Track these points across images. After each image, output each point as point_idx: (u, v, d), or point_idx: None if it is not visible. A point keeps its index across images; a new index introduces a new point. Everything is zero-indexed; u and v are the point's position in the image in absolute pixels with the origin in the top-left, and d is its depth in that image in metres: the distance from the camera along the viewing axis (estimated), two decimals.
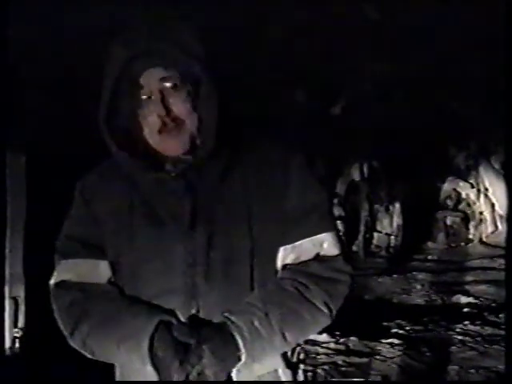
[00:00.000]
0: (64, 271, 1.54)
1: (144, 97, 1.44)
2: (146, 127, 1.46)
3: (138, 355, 1.40)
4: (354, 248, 12.21)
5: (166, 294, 1.46)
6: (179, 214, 1.47)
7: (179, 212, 1.47)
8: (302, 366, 1.56)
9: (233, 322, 1.40)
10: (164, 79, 1.43)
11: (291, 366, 1.53)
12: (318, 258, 1.51)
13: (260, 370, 1.46)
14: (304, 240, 1.51)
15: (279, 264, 1.51)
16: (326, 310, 1.47)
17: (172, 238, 1.47)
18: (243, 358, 1.38)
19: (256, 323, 1.41)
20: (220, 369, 1.36)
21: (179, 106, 1.44)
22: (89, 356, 1.49)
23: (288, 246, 1.51)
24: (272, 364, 1.49)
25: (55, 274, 1.55)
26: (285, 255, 1.51)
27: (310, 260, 1.50)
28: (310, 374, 5.11)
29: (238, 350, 1.38)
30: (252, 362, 1.41)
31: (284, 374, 1.51)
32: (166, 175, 1.47)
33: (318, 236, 1.52)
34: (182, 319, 1.45)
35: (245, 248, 1.47)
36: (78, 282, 1.52)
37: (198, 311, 1.45)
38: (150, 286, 1.48)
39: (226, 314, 1.42)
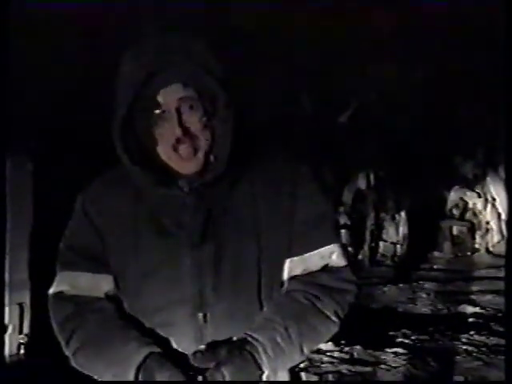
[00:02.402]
0: (62, 282, 1.54)
1: (158, 111, 1.43)
2: (161, 143, 1.45)
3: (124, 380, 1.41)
4: (360, 257, 12.17)
5: (173, 304, 1.46)
6: (188, 227, 1.47)
7: (189, 225, 1.47)
8: (303, 374, 1.57)
9: (256, 340, 1.40)
10: (182, 99, 1.42)
11: (294, 375, 1.55)
12: (327, 268, 1.52)
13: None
14: (312, 252, 1.52)
15: (286, 275, 1.52)
16: (336, 320, 1.49)
17: (180, 251, 1.47)
18: (266, 373, 1.40)
19: (278, 339, 1.42)
20: None
21: (195, 124, 1.43)
22: (78, 369, 1.50)
23: (295, 258, 1.51)
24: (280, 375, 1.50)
25: (54, 283, 1.56)
26: (292, 267, 1.51)
27: (318, 271, 1.51)
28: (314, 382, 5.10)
29: (260, 367, 1.38)
30: (273, 376, 1.42)
31: None
32: (179, 191, 1.47)
33: (327, 248, 1.53)
34: (176, 346, 1.45)
35: (252, 259, 1.48)
36: (75, 294, 1.52)
37: (205, 322, 1.45)
38: (156, 298, 1.48)
39: (248, 332, 1.42)
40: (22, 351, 4.27)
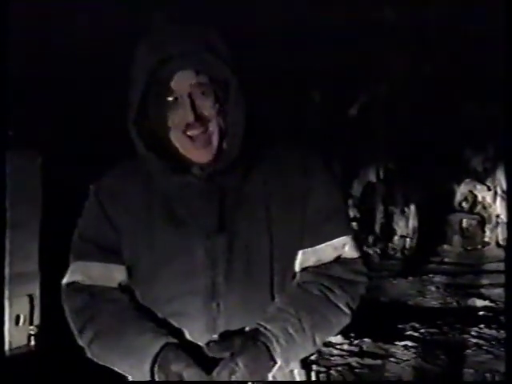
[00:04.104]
0: (76, 272, 1.54)
1: (170, 98, 1.44)
2: (173, 129, 1.46)
3: (139, 371, 1.41)
4: (369, 250, 12.15)
5: (185, 295, 1.46)
6: (202, 216, 1.46)
7: (202, 214, 1.47)
8: (314, 367, 1.57)
9: (269, 330, 1.40)
10: (195, 85, 1.42)
11: (305, 367, 1.55)
12: (339, 260, 1.52)
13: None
14: (325, 243, 1.51)
15: (298, 267, 1.52)
16: (348, 311, 1.50)
17: (193, 240, 1.47)
18: (279, 363, 1.40)
19: (291, 330, 1.42)
20: (255, 379, 1.37)
21: (208, 110, 1.44)
22: (94, 359, 1.50)
23: (308, 250, 1.51)
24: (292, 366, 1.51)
25: (68, 274, 1.56)
26: (305, 258, 1.51)
27: (331, 262, 1.51)
28: (323, 375, 5.10)
29: (273, 357, 1.39)
30: (285, 366, 1.43)
31: (299, 375, 1.54)
32: (193, 178, 1.47)
33: (339, 239, 1.53)
34: (189, 337, 1.45)
35: (264, 250, 1.48)
36: (89, 284, 1.52)
37: (218, 312, 1.45)
38: (169, 288, 1.47)
39: (260, 322, 1.42)
40: (32, 342, 4.29)
